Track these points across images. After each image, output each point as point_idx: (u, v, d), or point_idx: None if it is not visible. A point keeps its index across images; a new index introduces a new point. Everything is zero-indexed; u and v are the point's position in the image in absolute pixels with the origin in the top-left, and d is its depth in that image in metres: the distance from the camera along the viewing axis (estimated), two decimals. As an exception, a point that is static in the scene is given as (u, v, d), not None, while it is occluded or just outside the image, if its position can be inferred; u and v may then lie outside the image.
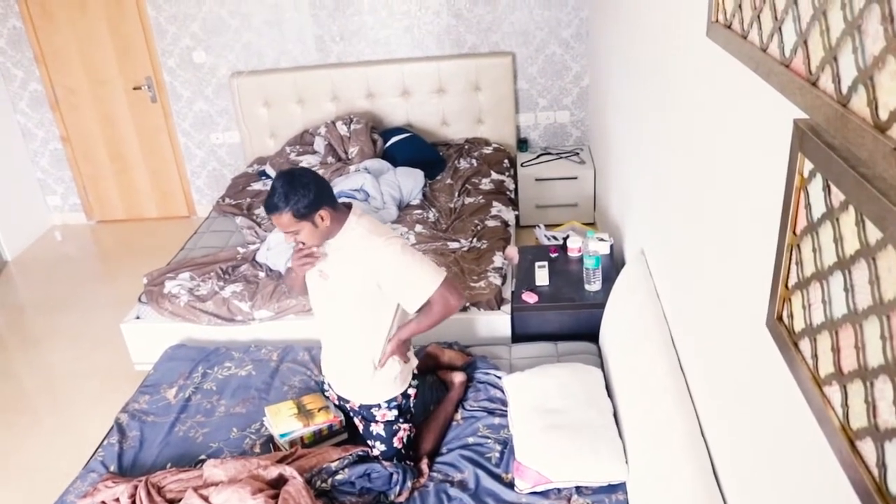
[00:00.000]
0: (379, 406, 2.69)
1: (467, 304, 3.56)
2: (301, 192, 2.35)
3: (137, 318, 3.86)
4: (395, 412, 2.71)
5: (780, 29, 1.36)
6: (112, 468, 2.81)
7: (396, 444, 2.72)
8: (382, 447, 2.72)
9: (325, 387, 2.94)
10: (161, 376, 3.33)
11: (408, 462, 2.71)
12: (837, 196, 1.11)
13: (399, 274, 2.48)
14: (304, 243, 2.47)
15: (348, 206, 2.55)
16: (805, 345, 1.28)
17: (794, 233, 1.32)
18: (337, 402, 2.88)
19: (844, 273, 1.11)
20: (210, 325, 3.71)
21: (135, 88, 5.52)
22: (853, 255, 1.07)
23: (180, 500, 2.48)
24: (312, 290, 2.67)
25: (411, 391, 2.76)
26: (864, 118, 1.01)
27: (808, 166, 1.23)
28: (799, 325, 1.31)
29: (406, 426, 2.75)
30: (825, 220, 1.17)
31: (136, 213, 6.01)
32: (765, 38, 1.45)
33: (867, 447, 1.04)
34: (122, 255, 5.53)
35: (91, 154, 5.79)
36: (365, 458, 2.68)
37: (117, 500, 2.57)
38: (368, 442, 2.76)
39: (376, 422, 2.71)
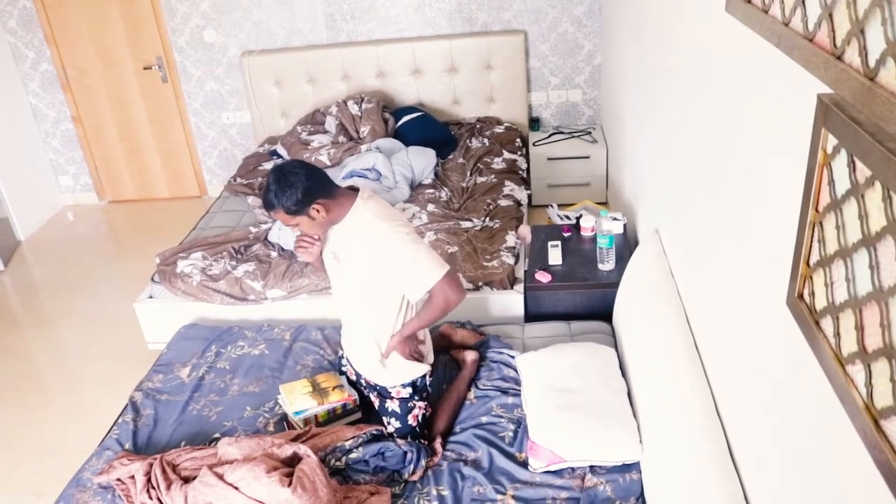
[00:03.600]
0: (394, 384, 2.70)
1: (480, 284, 3.56)
2: (289, 191, 2.36)
3: (150, 297, 3.87)
4: (410, 389, 2.71)
5: (803, 2, 1.33)
6: (127, 446, 2.83)
7: (411, 421, 2.73)
8: (397, 424, 2.73)
9: (343, 362, 2.95)
10: (174, 355, 3.34)
11: (422, 441, 2.72)
12: (863, 172, 1.09)
13: (402, 264, 2.47)
14: (307, 233, 2.49)
15: (355, 189, 2.54)
16: (827, 323, 1.27)
17: (816, 210, 1.30)
18: (354, 378, 2.89)
19: (870, 250, 1.09)
20: (223, 304, 3.72)
21: (145, 68, 5.51)
22: (879, 232, 1.05)
23: (195, 477, 2.49)
24: (329, 271, 2.69)
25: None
26: (893, 92, 0.98)
27: (831, 142, 1.21)
28: (821, 303, 1.29)
29: (421, 404, 2.75)
30: (850, 197, 1.15)
31: (148, 193, 6.02)
32: (787, 12, 1.42)
33: (892, 427, 1.03)
34: (134, 234, 5.55)
35: (102, 134, 5.79)
36: (379, 437, 2.69)
37: (132, 477, 2.59)
38: (383, 419, 2.77)
39: (391, 398, 2.71)
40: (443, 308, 2.52)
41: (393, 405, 2.72)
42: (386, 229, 2.45)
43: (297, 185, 2.36)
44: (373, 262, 2.49)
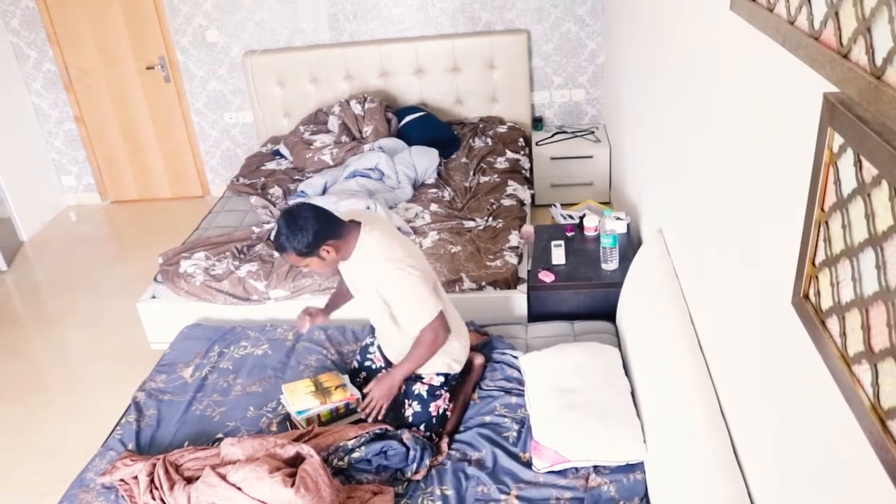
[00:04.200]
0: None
1: (483, 284, 3.55)
2: (300, 234, 2.49)
3: (153, 297, 3.87)
4: (442, 378, 2.78)
5: (809, 1, 1.32)
6: (130, 446, 2.83)
7: (432, 410, 2.76)
8: (417, 408, 2.76)
9: (371, 349, 3.02)
10: (177, 355, 3.34)
11: (433, 437, 2.73)
12: (870, 171, 1.09)
13: (401, 304, 2.62)
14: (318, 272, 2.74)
15: (358, 223, 2.62)
16: (833, 323, 1.26)
17: (822, 209, 1.29)
18: (378, 366, 2.96)
19: (876, 249, 1.08)
20: (226, 304, 3.71)
21: (148, 68, 5.51)
22: (886, 231, 1.05)
23: (198, 478, 2.49)
24: (353, 293, 2.87)
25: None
26: (901, 90, 0.98)
27: (837, 141, 1.20)
28: (826, 302, 1.29)
29: (446, 396, 2.80)
30: (856, 196, 1.15)
31: (150, 193, 6.02)
32: (792, 11, 1.42)
33: (899, 427, 1.03)
34: (137, 234, 5.55)
35: (105, 134, 5.79)
36: (382, 436, 2.69)
37: (135, 477, 2.58)
38: (405, 402, 2.80)
39: (422, 382, 2.77)
40: (431, 345, 2.65)
41: (421, 389, 2.77)
42: (388, 268, 2.57)
43: (307, 228, 2.48)
44: (379, 294, 2.62)
